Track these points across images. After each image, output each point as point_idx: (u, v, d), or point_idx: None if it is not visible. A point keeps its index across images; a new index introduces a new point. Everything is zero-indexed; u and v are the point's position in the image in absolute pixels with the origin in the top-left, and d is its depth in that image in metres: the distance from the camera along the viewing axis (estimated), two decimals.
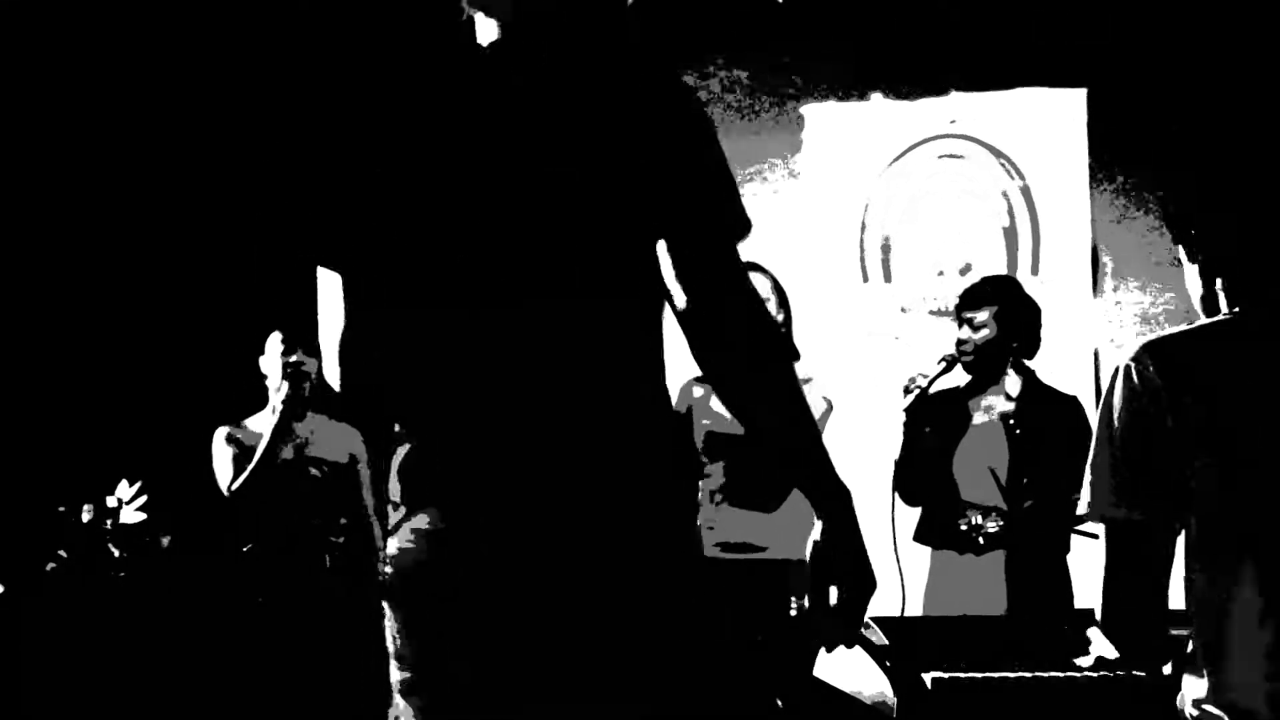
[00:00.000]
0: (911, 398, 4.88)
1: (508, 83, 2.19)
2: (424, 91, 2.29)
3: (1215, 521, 2.31)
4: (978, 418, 5.01)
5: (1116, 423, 2.39)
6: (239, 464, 5.45)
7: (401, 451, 2.20)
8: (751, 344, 2.18)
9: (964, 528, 4.87)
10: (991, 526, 4.83)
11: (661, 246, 2.17)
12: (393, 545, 2.19)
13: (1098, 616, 2.50)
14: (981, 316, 4.98)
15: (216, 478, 5.49)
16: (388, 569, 2.18)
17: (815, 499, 2.23)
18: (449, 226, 2.16)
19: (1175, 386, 2.34)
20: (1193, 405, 2.32)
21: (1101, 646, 3.16)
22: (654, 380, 2.21)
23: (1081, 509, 2.45)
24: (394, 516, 2.21)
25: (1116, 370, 2.45)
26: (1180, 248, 2.56)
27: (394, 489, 2.21)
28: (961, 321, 5.04)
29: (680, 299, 2.16)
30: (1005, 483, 4.86)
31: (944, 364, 4.94)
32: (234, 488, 5.43)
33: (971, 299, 5.04)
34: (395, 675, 2.17)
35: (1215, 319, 2.48)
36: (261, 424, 5.52)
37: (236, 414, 5.63)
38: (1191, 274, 2.57)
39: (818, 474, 2.22)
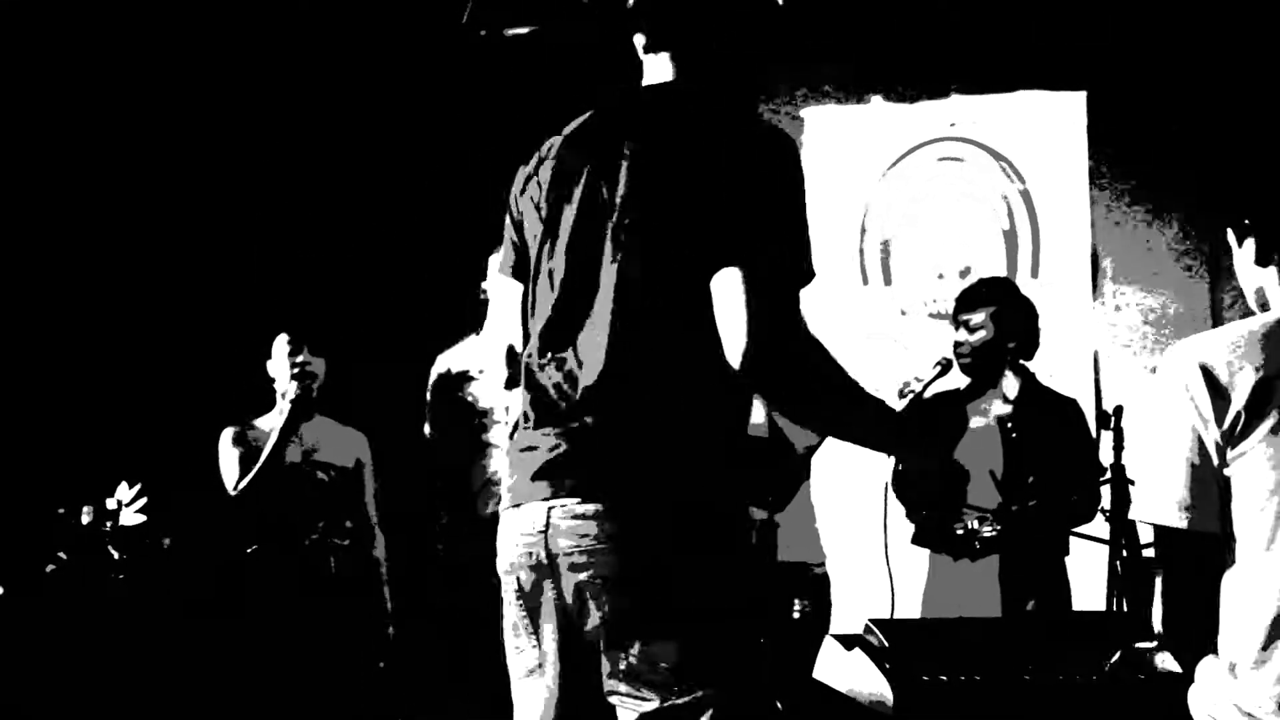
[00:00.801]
0: (905, 402, 4.86)
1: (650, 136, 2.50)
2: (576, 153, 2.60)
3: (1251, 520, 2.27)
4: (975, 420, 5.02)
5: (1175, 431, 2.31)
6: (245, 464, 5.45)
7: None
8: (792, 386, 2.42)
9: (960, 532, 4.87)
10: (987, 531, 4.82)
11: (722, 286, 2.36)
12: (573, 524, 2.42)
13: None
14: (978, 318, 4.98)
15: (223, 478, 5.49)
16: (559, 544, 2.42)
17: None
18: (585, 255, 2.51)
19: (1219, 383, 2.28)
20: (1232, 406, 2.26)
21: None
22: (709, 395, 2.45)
23: (1149, 515, 2.33)
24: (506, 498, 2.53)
25: (1161, 375, 2.36)
26: (1232, 239, 2.48)
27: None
28: (958, 324, 5.04)
29: (725, 341, 2.36)
30: (1002, 486, 4.86)
31: (938, 368, 4.92)
32: (240, 487, 5.44)
33: (968, 301, 5.04)
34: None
35: (1257, 316, 2.39)
36: (269, 425, 5.52)
37: (238, 415, 5.64)
38: (1243, 268, 2.46)
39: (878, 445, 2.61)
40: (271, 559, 5.45)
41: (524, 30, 6.85)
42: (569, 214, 2.54)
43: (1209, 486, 2.29)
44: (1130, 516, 4.32)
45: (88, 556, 5.74)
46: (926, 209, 6.83)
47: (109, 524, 5.77)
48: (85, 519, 5.76)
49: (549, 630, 2.48)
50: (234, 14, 6.67)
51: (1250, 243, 2.42)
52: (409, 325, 6.43)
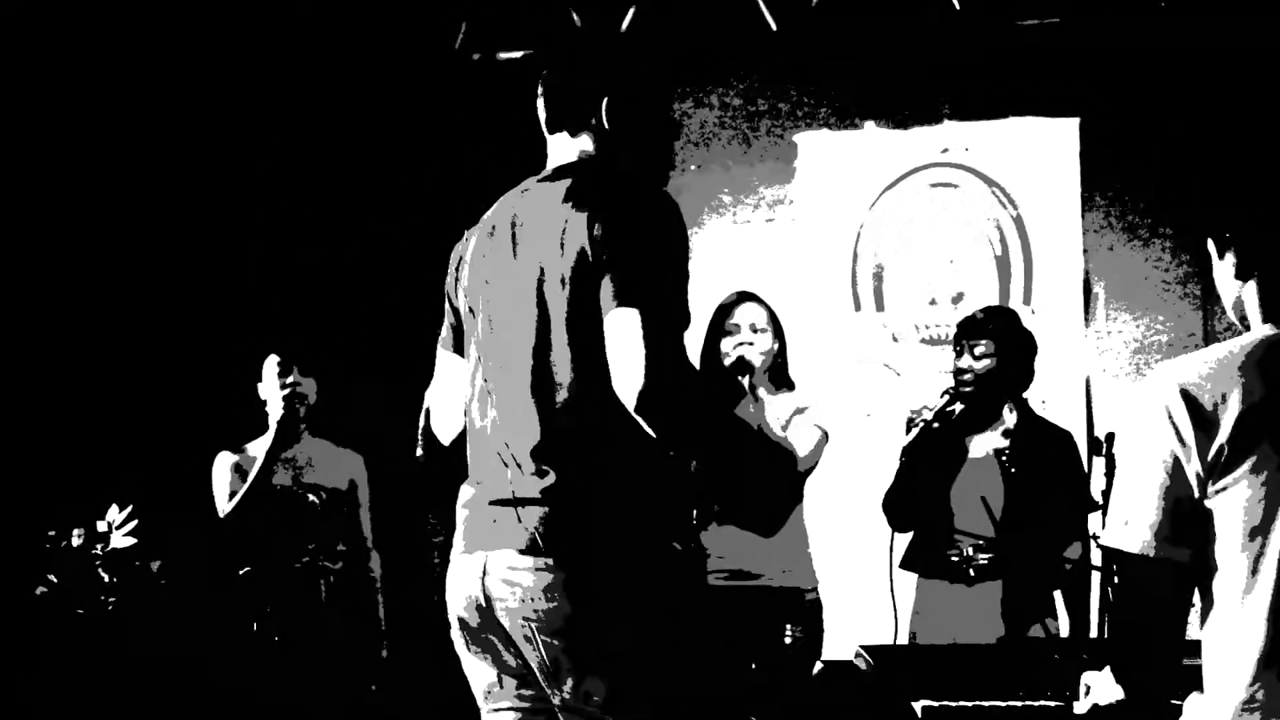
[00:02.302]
0: (915, 432, 4.85)
1: None
2: None
3: (1233, 556, 2.23)
4: (974, 450, 5.00)
5: (1152, 455, 2.25)
6: (236, 489, 5.44)
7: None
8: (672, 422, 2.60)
9: (955, 559, 4.86)
10: (983, 559, 4.82)
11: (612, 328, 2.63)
12: None
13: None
14: (983, 346, 4.97)
15: (215, 502, 5.49)
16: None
17: None
18: None
19: (1202, 412, 2.21)
20: (1216, 438, 2.20)
21: (1102, 693, 3.12)
22: None
23: (1114, 540, 2.27)
24: None
25: (1140, 398, 2.30)
26: (1213, 251, 2.42)
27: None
28: (962, 350, 5.01)
29: (616, 378, 2.59)
30: (999, 516, 4.85)
31: (946, 397, 4.91)
32: (226, 513, 5.43)
33: (974, 328, 5.02)
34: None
35: (1238, 339, 2.32)
36: (261, 448, 5.51)
37: (229, 436, 5.63)
38: (1223, 281, 2.40)
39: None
40: (263, 581, 5.44)
41: (517, 54, 6.88)
42: (489, 290, 2.80)
43: (1185, 515, 2.23)
44: (1102, 542, 4.31)
45: (78, 580, 5.73)
46: (919, 234, 6.84)
47: (99, 546, 5.76)
48: (76, 541, 5.75)
49: (490, 663, 2.75)
50: (233, 50, 6.70)
51: (1230, 255, 2.37)
52: (403, 344, 6.43)
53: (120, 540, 5.76)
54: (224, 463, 5.52)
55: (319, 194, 6.84)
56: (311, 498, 5.51)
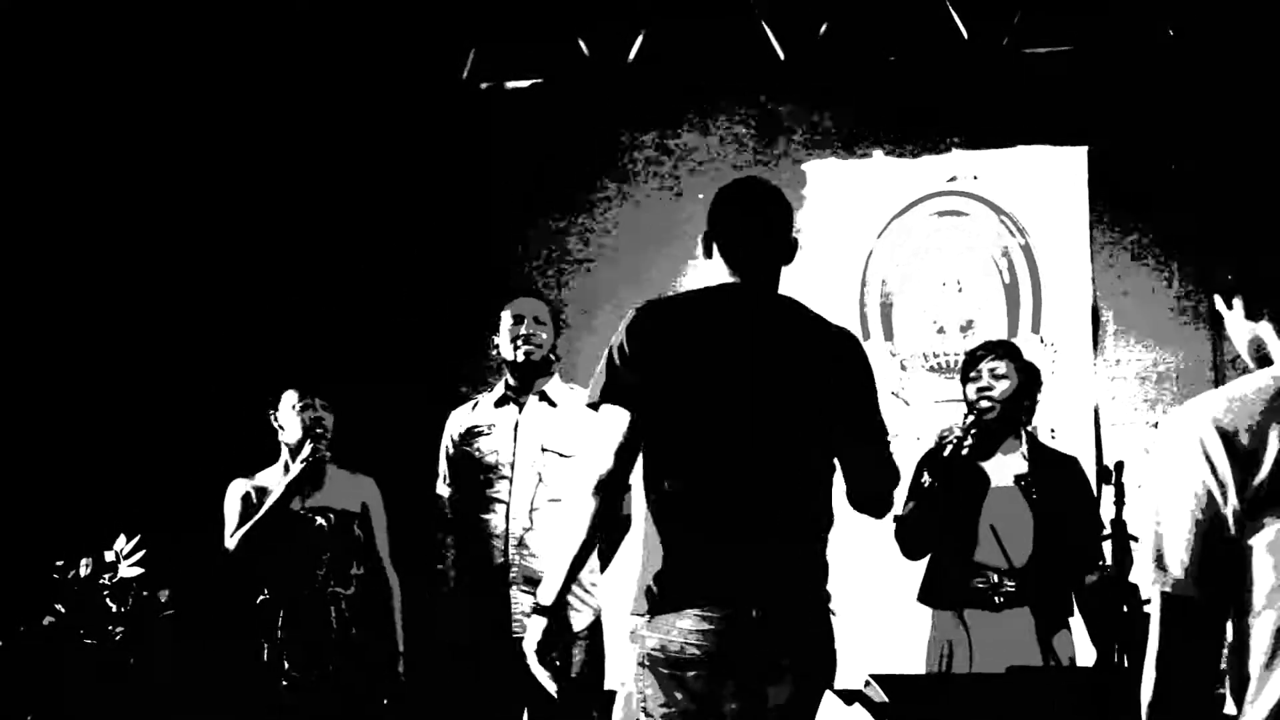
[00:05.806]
0: (949, 450, 4.79)
1: None
2: None
3: (1274, 596, 2.20)
4: (996, 478, 4.96)
5: (1185, 492, 2.19)
6: (244, 520, 5.42)
7: None
8: None
9: (982, 585, 4.83)
10: (1010, 586, 4.80)
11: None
12: None
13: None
14: (1003, 366, 4.94)
15: (225, 530, 5.47)
16: None
17: None
18: None
19: (1240, 450, 2.16)
20: (1257, 475, 2.14)
21: None
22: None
23: (1145, 577, 2.23)
24: None
25: (1172, 432, 2.24)
26: (1221, 304, 2.39)
27: None
28: (978, 373, 4.95)
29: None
30: (1030, 542, 4.82)
31: (973, 418, 4.84)
32: (234, 544, 5.40)
33: (991, 348, 5.00)
34: None
35: (1263, 372, 2.28)
36: (274, 478, 5.49)
37: (236, 464, 5.62)
38: (1235, 326, 2.38)
39: None
40: (273, 608, 5.42)
41: (525, 84, 6.89)
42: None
43: (1220, 554, 2.18)
44: (1132, 579, 4.28)
45: (85, 610, 5.72)
46: (928, 263, 6.83)
47: (108, 576, 5.75)
48: (84, 571, 5.74)
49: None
50: (241, 78, 6.72)
51: (1239, 301, 2.35)
52: (412, 369, 6.45)
53: (128, 570, 5.75)
54: (236, 491, 5.49)
55: (327, 220, 6.86)
56: (319, 520, 5.47)
